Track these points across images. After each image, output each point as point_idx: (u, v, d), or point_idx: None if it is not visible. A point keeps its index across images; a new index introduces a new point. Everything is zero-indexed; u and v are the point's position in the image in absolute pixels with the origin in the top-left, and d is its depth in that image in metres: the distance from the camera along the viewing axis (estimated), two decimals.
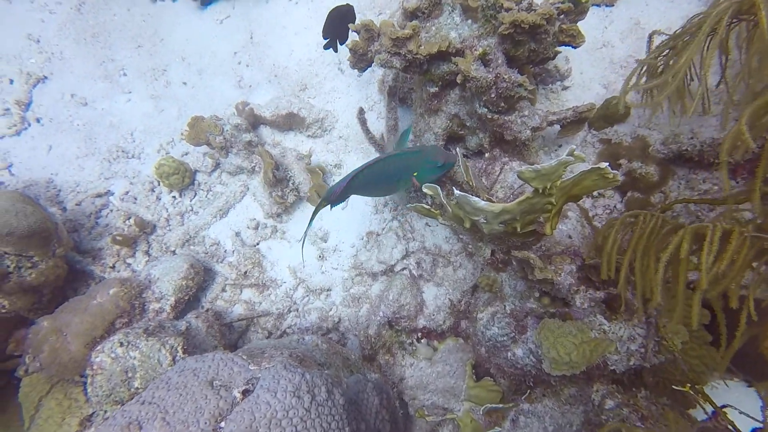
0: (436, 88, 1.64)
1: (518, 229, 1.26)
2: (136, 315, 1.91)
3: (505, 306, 1.57)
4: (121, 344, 1.55)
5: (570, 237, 1.47)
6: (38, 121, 2.45)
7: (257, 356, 1.31)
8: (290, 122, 2.23)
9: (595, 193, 1.67)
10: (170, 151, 2.44)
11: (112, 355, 1.54)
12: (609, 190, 1.66)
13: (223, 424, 1.07)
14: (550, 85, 1.86)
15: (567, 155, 1.00)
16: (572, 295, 1.32)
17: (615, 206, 1.65)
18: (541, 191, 1.10)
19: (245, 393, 1.13)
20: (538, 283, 1.37)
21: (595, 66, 1.84)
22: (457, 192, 1.14)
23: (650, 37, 1.47)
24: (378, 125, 2.18)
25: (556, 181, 1.09)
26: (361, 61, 1.59)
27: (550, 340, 1.40)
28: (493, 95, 1.42)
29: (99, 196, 2.31)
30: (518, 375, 1.55)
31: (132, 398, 1.53)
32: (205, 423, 1.05)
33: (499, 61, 1.36)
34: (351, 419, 1.28)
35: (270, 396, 1.11)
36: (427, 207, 1.44)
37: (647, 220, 1.16)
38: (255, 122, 2.26)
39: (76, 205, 2.26)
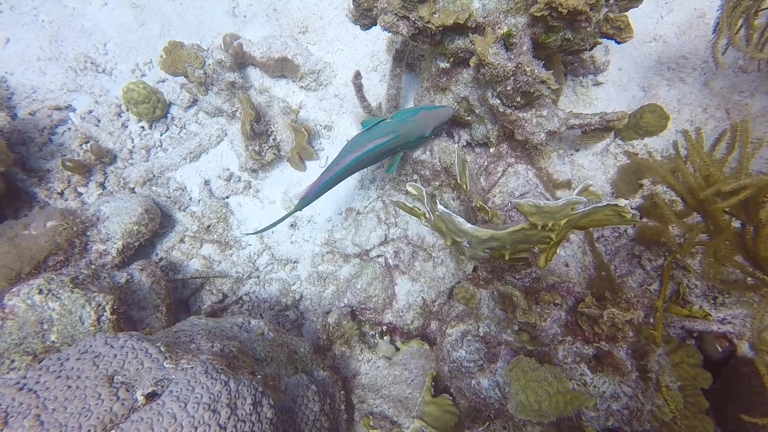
0: (448, 64, 1.37)
1: (506, 258, 1.04)
2: (75, 254, 1.71)
3: (478, 327, 1.39)
4: (41, 291, 1.36)
5: (567, 265, 1.26)
6: None
7: (182, 346, 1.12)
8: (282, 68, 1.94)
9: None
10: (147, 73, 2.16)
11: (28, 302, 1.35)
12: None
13: None
14: (580, 77, 1.57)
15: (578, 192, 0.77)
16: (555, 345, 1.13)
17: (625, 230, 1.43)
18: (540, 227, 0.88)
19: (150, 397, 0.95)
20: (519, 323, 1.18)
21: (638, 63, 1.54)
22: (440, 207, 0.92)
23: None
24: (379, 90, 1.90)
25: (560, 220, 0.86)
26: (364, 17, 1.30)
27: (521, 382, 1.22)
28: (509, 87, 1.15)
29: (58, 109, 2.04)
30: (479, 404, 1.40)
31: (46, 352, 1.37)
32: (89, 430, 0.87)
33: (524, 48, 1.09)
34: None
35: (178, 407, 0.93)
36: (411, 205, 1.22)
37: None
38: (243, 61, 1.97)
39: (30, 114, 1.99)
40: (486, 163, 1.45)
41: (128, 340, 1.04)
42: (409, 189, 1.10)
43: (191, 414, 0.92)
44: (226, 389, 0.99)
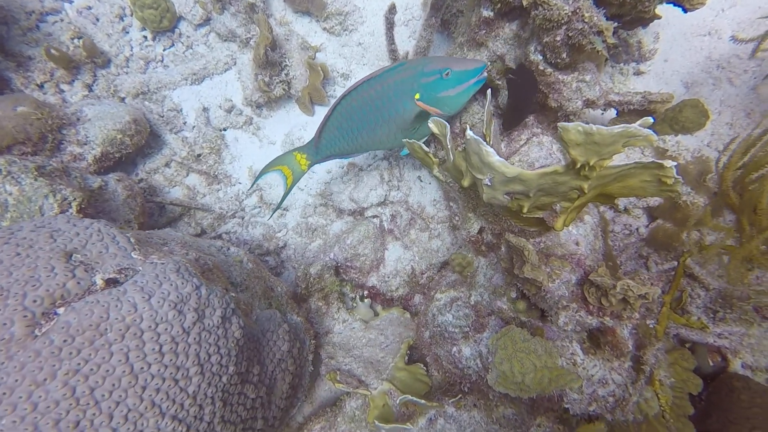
0: (492, 13, 1.29)
1: (524, 210, 0.96)
2: (45, 151, 1.56)
3: (470, 295, 1.31)
4: None
5: (578, 244, 1.19)
6: None
7: (153, 245, 1.00)
8: (308, 2, 1.83)
9: (621, 206, 1.38)
10: None
11: None
12: (637, 208, 1.38)
13: (61, 310, 0.77)
14: (621, 64, 1.51)
15: (638, 124, 0.69)
16: (558, 311, 1.06)
17: (637, 229, 1.37)
18: (578, 167, 0.80)
19: (110, 283, 0.83)
20: (522, 282, 1.10)
21: (687, 57, 1.48)
22: (469, 132, 0.83)
23: None
24: (406, 45, 1.81)
25: (605, 159, 0.78)
26: None
27: (508, 350, 1.14)
28: (558, 38, 1.08)
29: None
30: (455, 375, 1.31)
31: None
32: (35, 300, 0.75)
33: None
34: (243, 359, 1.01)
35: (141, 298, 0.81)
36: (426, 149, 1.13)
37: None
38: None
39: None
40: (509, 130, 1.38)
41: (94, 223, 0.92)
42: (431, 125, 1.01)
43: (154, 308, 0.81)
44: (197, 293, 0.88)
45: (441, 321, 1.29)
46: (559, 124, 0.70)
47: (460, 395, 1.33)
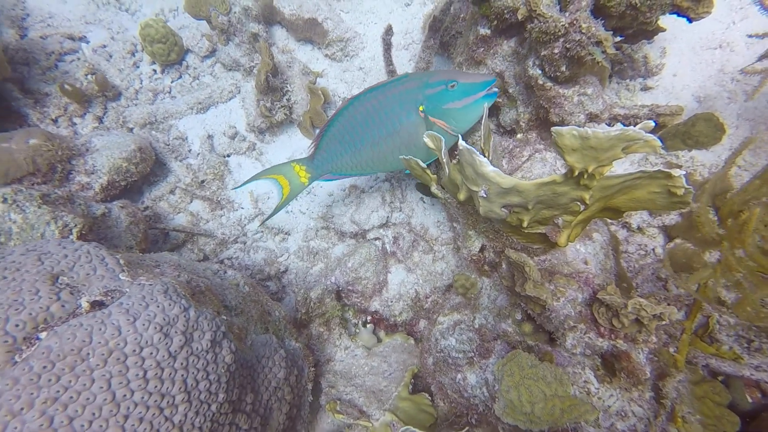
0: (489, 31, 1.29)
1: (524, 224, 0.92)
2: (54, 181, 1.58)
3: (474, 318, 1.25)
4: (5, 200, 1.23)
5: (586, 263, 1.14)
6: None
7: (144, 267, 0.99)
8: (310, 31, 1.87)
9: (634, 225, 1.33)
10: (170, 20, 2.09)
11: None
12: (652, 227, 1.32)
13: (43, 334, 0.75)
14: (627, 80, 1.48)
15: (639, 128, 0.65)
16: (565, 331, 1.00)
17: (653, 249, 1.31)
18: (575, 175, 0.76)
19: (95, 305, 0.81)
20: (525, 301, 1.05)
21: (697, 71, 1.45)
22: (461, 142, 0.81)
23: None
24: (407, 68, 1.82)
25: (604, 166, 0.74)
26: None
27: (515, 378, 1.08)
28: (556, 50, 1.06)
29: (71, 38, 1.96)
30: (461, 405, 1.24)
31: None
32: (17, 325, 0.73)
33: (583, 3, 1.00)
34: (234, 386, 0.97)
35: (125, 320, 0.79)
36: (423, 165, 1.11)
37: None
38: (270, 17, 1.90)
39: (41, 37, 1.91)
40: (511, 147, 1.35)
41: (84, 245, 0.91)
42: (426, 140, 0.99)
43: (139, 331, 0.79)
44: (185, 316, 0.85)
45: (444, 345, 1.23)
46: (552, 128, 0.67)
47: (467, 428, 1.25)
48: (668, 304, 0.96)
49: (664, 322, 0.89)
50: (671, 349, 1.12)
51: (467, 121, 1.26)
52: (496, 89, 1.24)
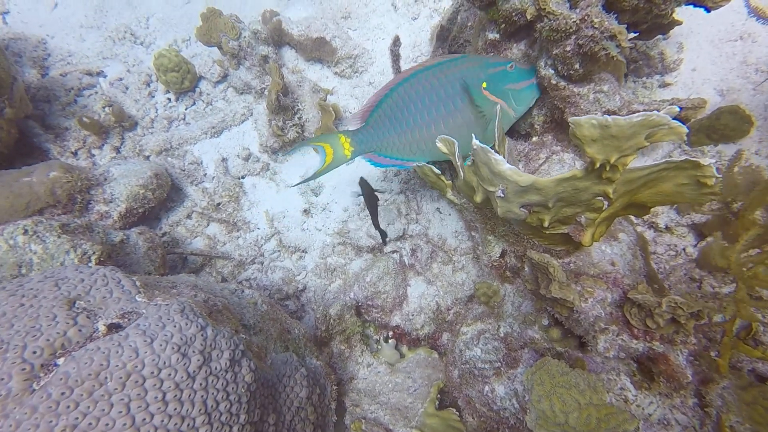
0: (498, 35, 1.28)
1: (545, 224, 0.88)
2: (74, 212, 1.62)
3: (499, 327, 1.20)
4: (26, 232, 1.25)
5: (614, 264, 1.09)
6: None
7: (161, 288, 0.98)
8: (319, 50, 1.90)
9: (661, 225, 1.27)
10: (183, 49, 2.15)
11: (11, 242, 1.24)
12: (681, 226, 1.26)
13: (61, 360, 0.74)
14: (644, 78, 1.44)
15: (664, 112, 0.62)
16: (596, 334, 0.95)
17: (684, 249, 1.25)
18: (597, 168, 0.73)
19: (112, 328, 0.80)
20: (551, 304, 1.00)
21: (717, 64, 1.40)
22: (475, 141, 0.78)
23: None
24: None
25: (627, 156, 0.71)
26: None
27: (545, 387, 1.02)
28: (569, 48, 1.04)
29: (89, 74, 2.03)
30: (491, 419, 1.19)
31: None
32: (34, 352, 0.73)
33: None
34: (255, 406, 0.94)
35: (143, 342, 0.78)
36: (437, 172, 1.09)
37: None
38: (279, 39, 1.94)
39: (61, 75, 1.98)
40: (527, 150, 1.32)
41: (101, 269, 0.91)
42: (439, 144, 0.98)
43: (156, 352, 0.77)
44: (202, 335, 0.84)
45: (469, 357, 1.18)
46: (570, 119, 0.64)
47: None
48: (706, 303, 0.90)
49: (703, 321, 0.84)
50: (712, 354, 1.06)
51: (525, 103, 1.23)
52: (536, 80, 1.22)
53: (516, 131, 1.43)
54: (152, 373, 0.77)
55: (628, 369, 1.00)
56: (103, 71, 2.07)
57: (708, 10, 1.03)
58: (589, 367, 1.02)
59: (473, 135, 0.80)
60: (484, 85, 1.19)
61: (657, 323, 0.85)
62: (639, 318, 0.89)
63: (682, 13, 1.17)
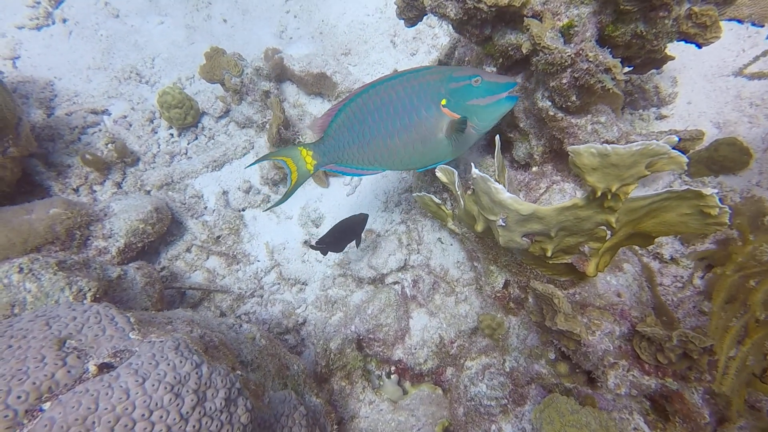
0: (495, 69, 1.30)
1: (548, 253, 0.87)
2: (73, 248, 1.61)
3: (504, 361, 1.17)
4: (21, 270, 1.23)
5: (620, 296, 1.06)
6: (64, 21, 2.27)
7: (156, 325, 0.96)
8: (320, 85, 1.94)
9: (666, 256, 1.25)
10: (187, 87, 2.20)
11: (5, 281, 1.22)
12: (686, 257, 1.24)
13: (47, 404, 0.71)
14: (640, 110, 1.46)
15: (663, 142, 0.62)
16: (605, 369, 0.91)
17: (691, 280, 1.22)
18: (598, 197, 0.72)
19: (103, 368, 0.78)
20: (557, 337, 0.97)
21: (712, 98, 1.42)
22: (475, 170, 0.78)
23: None
24: None
25: (629, 185, 0.70)
26: (410, 8, 1.27)
27: (555, 426, 0.98)
28: (565, 81, 1.06)
29: (94, 112, 2.07)
30: None
31: None
32: (19, 397, 0.70)
33: (587, 34, 1.00)
34: None
35: (134, 382, 0.75)
36: (438, 201, 1.08)
37: None
38: (281, 75, 1.98)
39: (66, 114, 2.02)
40: (527, 180, 1.32)
41: (95, 306, 0.89)
42: (439, 174, 0.97)
43: (148, 393, 0.74)
44: (197, 373, 0.81)
45: (474, 393, 1.14)
46: (569, 148, 0.64)
47: None
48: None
49: (716, 357, 0.81)
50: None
51: (490, 119, 1.17)
52: (516, 94, 1.18)
53: (515, 161, 1.43)
54: (143, 415, 0.73)
55: (641, 407, 0.95)
56: (107, 109, 2.11)
57: (699, 46, 1.05)
58: (599, 405, 0.98)
59: (472, 164, 0.80)
60: (444, 102, 1.13)
61: (668, 358, 0.82)
62: (649, 352, 0.85)
63: (674, 48, 1.19)
